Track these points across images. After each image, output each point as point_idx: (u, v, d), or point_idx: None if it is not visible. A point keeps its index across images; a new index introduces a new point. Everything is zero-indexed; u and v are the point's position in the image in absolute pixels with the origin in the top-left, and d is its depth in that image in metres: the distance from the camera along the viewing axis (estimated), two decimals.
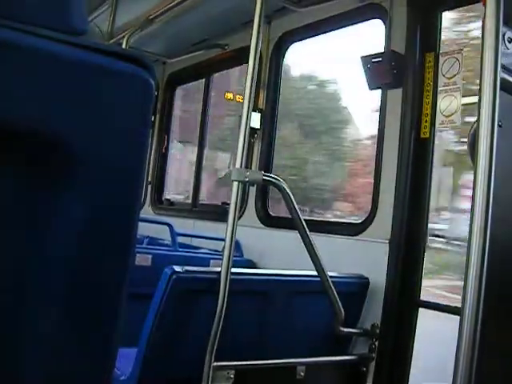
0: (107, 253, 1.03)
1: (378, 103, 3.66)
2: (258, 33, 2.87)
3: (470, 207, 1.81)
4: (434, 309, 3.35)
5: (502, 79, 1.79)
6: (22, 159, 0.94)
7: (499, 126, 1.75)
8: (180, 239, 4.37)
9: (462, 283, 1.78)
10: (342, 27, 4.19)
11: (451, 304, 3.07)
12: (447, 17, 3.44)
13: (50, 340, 0.99)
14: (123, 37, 4.85)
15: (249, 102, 2.84)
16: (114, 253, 1.04)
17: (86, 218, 0.99)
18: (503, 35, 1.85)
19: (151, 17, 4.69)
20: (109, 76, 1.01)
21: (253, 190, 4.50)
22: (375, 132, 3.70)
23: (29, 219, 0.97)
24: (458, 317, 1.81)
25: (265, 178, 2.85)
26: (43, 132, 0.93)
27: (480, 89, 1.75)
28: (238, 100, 5.90)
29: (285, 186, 2.89)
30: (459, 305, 1.82)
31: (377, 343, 3.32)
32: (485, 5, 1.79)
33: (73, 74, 0.96)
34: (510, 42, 1.92)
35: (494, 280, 1.77)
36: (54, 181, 0.96)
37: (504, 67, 1.80)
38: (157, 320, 2.62)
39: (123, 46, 4.72)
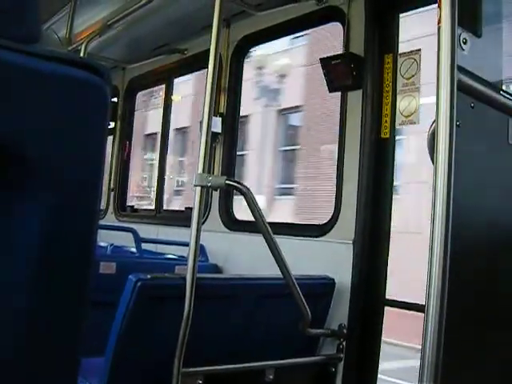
0: (67, 262, 1.02)
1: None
2: (218, 37, 2.87)
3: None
4: (400, 307, 3.39)
5: (459, 80, 1.82)
6: None
7: (457, 126, 1.78)
8: (144, 246, 4.34)
9: None
10: (300, 30, 4.23)
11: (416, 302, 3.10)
12: None
13: (9, 351, 0.98)
14: (81, 43, 4.80)
15: (209, 106, 2.84)
16: (74, 261, 1.03)
17: (45, 227, 0.98)
18: (459, 36, 1.89)
19: (109, 22, 4.65)
20: (63, 84, 1.00)
21: (216, 195, 4.50)
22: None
23: None
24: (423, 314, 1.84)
25: (227, 182, 2.84)
26: None
27: (437, 90, 1.78)
28: None
29: (248, 189, 2.89)
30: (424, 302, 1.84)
31: (344, 343, 3.34)
32: (440, 6, 1.82)
33: (27, 82, 0.95)
34: (465, 44, 1.95)
35: (458, 276, 1.80)
36: (9, 192, 0.95)
37: (460, 68, 1.83)
38: (123, 328, 2.59)
39: (81, 53, 4.67)
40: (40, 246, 0.97)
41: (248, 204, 2.92)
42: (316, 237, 3.67)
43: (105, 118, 1.06)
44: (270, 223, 2.96)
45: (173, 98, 5.91)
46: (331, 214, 3.63)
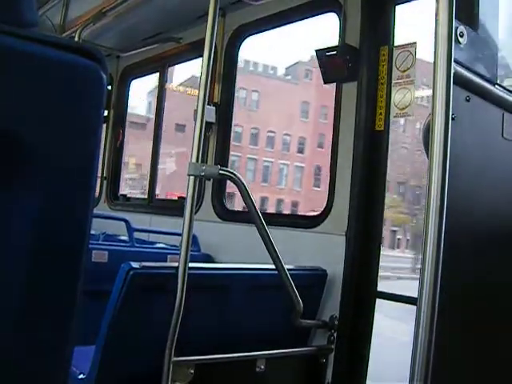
0: (61, 249, 1.02)
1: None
2: (213, 26, 2.85)
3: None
4: (392, 299, 3.39)
5: (455, 73, 1.82)
6: None
7: (452, 119, 1.78)
8: (137, 235, 4.33)
9: None
10: (297, 20, 4.20)
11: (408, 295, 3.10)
12: None
13: (2, 338, 0.97)
14: (76, 30, 4.78)
15: (204, 95, 2.82)
16: (68, 249, 1.03)
17: (40, 215, 0.97)
18: (455, 29, 1.88)
19: (104, 10, 4.63)
20: (59, 69, 0.99)
21: (209, 184, 4.49)
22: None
23: None
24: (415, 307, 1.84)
25: (221, 172, 2.83)
26: None
27: (434, 82, 1.78)
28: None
29: (241, 179, 2.88)
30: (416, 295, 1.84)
31: (335, 335, 3.35)
32: None
33: (23, 66, 0.94)
34: (461, 37, 1.95)
35: (450, 270, 1.80)
36: (5, 178, 0.94)
37: (456, 61, 1.83)
38: (115, 317, 2.59)
39: (76, 40, 4.65)
40: (36, 232, 0.97)
41: (241, 194, 2.91)
42: (309, 228, 3.67)
43: (101, 104, 1.05)
44: (263, 213, 2.95)
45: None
46: (324, 206, 3.64)
